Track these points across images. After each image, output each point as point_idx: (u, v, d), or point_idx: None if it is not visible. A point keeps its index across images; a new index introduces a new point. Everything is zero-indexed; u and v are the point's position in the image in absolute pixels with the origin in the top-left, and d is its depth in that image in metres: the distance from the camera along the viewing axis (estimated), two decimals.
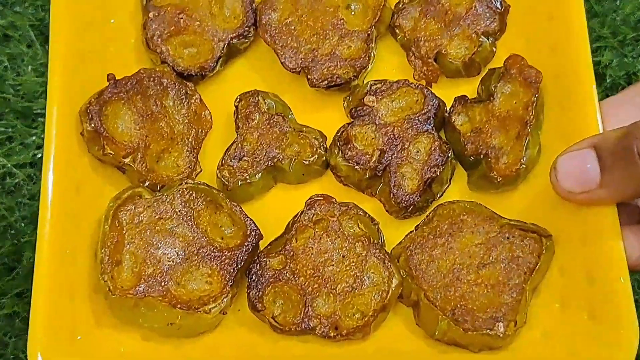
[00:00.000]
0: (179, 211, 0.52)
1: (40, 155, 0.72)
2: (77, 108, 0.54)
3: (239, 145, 0.55)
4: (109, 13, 0.59)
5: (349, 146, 0.54)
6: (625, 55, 0.72)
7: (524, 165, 0.52)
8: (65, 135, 0.53)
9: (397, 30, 0.58)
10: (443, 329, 0.49)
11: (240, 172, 0.54)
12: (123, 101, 0.54)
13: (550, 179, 0.49)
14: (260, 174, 0.54)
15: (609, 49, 0.73)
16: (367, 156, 0.54)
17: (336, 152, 0.55)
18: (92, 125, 0.52)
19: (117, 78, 0.55)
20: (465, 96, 0.56)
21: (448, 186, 0.55)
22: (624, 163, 0.46)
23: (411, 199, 0.53)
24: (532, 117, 0.52)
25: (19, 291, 0.69)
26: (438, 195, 0.55)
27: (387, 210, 0.54)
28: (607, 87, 0.71)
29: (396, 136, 0.54)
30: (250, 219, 0.52)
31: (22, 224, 0.71)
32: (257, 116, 0.56)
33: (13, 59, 0.77)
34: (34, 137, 0.74)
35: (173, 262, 0.51)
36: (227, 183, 0.54)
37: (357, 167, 0.54)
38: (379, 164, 0.54)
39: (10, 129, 0.74)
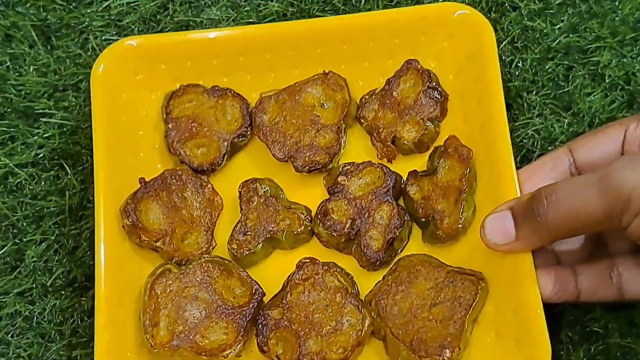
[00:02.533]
0: (200, 280, 0.66)
1: (41, 154, 0.74)
2: (118, 205, 0.67)
3: (243, 223, 0.69)
4: (137, 127, 0.72)
5: (327, 217, 0.68)
6: (624, 55, 0.73)
7: (461, 225, 0.66)
8: (110, 228, 0.66)
9: (362, 120, 0.72)
10: (404, 356, 0.63)
11: (246, 244, 0.69)
12: (152, 198, 0.68)
13: (480, 235, 0.61)
14: (261, 244, 0.68)
15: (608, 49, 0.73)
16: (341, 224, 0.67)
17: (318, 223, 0.68)
18: (130, 220, 0.66)
19: (146, 179, 0.68)
20: (416, 170, 0.69)
21: (407, 243, 0.68)
22: (530, 222, 0.58)
23: (378, 256, 0.67)
24: (465, 186, 0.66)
25: (20, 290, 0.70)
26: (399, 251, 0.68)
27: (360, 265, 0.68)
28: (606, 88, 0.72)
29: (364, 207, 0.68)
30: (255, 281, 0.66)
31: (24, 223, 0.72)
32: (256, 199, 0.69)
33: (15, 59, 0.77)
34: (35, 137, 0.74)
35: (197, 320, 0.65)
36: (236, 254, 0.68)
37: (334, 233, 0.67)
38: (351, 230, 0.67)
39: (12, 129, 0.75)
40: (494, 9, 0.77)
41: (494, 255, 0.64)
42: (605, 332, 0.65)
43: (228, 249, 0.69)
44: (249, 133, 0.72)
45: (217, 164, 0.71)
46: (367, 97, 0.73)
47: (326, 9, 0.78)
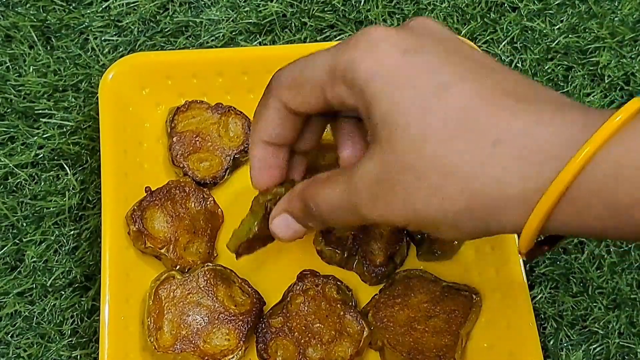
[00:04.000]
0: (203, 287, 0.67)
1: (41, 155, 0.73)
2: (124, 213, 0.68)
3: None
4: (142, 139, 0.74)
5: (329, 234, 0.70)
6: (623, 55, 0.73)
7: (456, 242, 0.69)
8: (116, 234, 0.68)
9: None
10: None
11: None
12: (157, 207, 0.70)
13: (273, 235, 0.58)
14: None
15: (607, 50, 0.74)
16: (343, 240, 0.69)
17: (320, 240, 0.70)
18: (136, 226, 0.68)
19: (152, 189, 0.70)
20: None
21: (406, 257, 0.71)
22: (311, 221, 0.55)
23: (380, 270, 0.69)
24: None
25: (20, 290, 0.69)
26: (399, 265, 0.70)
27: (362, 280, 0.70)
28: (606, 88, 0.73)
29: None
30: (256, 290, 0.68)
31: (24, 224, 0.71)
32: None
33: (15, 59, 0.77)
34: (35, 137, 0.74)
35: (200, 325, 0.66)
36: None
37: (337, 250, 0.69)
38: (353, 246, 0.69)
39: (12, 129, 0.74)
40: (493, 9, 0.80)
41: (488, 272, 0.68)
42: (605, 332, 0.68)
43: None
44: None
45: (220, 177, 0.73)
46: None
47: (326, 9, 0.81)
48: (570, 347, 0.68)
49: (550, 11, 0.79)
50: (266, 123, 0.55)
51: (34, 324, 0.69)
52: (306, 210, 0.54)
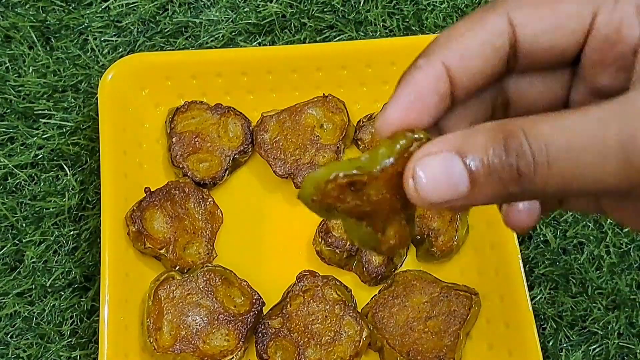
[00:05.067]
0: (202, 288, 0.68)
1: (41, 155, 0.73)
2: (123, 214, 0.68)
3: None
4: (142, 140, 0.74)
5: (329, 235, 0.70)
6: None
7: (455, 242, 0.69)
8: (116, 235, 0.68)
9: (359, 142, 0.75)
10: None
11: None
12: (157, 207, 0.70)
13: (407, 189, 0.36)
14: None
15: None
16: (343, 241, 0.69)
17: (319, 241, 0.70)
18: (136, 227, 0.68)
19: (151, 189, 0.70)
20: None
21: (405, 258, 0.71)
22: (501, 180, 0.35)
23: (379, 271, 0.69)
24: None
25: (20, 291, 0.69)
26: (399, 265, 0.70)
27: (362, 280, 0.70)
28: None
29: None
30: (255, 291, 0.68)
31: (24, 224, 0.71)
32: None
33: (14, 59, 0.77)
34: (35, 138, 0.74)
35: (200, 326, 0.66)
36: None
37: (336, 250, 0.69)
38: (352, 246, 0.69)
39: (11, 130, 0.74)
40: None
41: (487, 272, 0.68)
42: (605, 333, 0.68)
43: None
44: (250, 150, 0.75)
45: (219, 178, 0.73)
46: (364, 120, 0.76)
47: (325, 10, 0.81)
48: (569, 348, 0.68)
49: None
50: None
51: (33, 325, 0.69)
52: (503, 151, 0.35)
